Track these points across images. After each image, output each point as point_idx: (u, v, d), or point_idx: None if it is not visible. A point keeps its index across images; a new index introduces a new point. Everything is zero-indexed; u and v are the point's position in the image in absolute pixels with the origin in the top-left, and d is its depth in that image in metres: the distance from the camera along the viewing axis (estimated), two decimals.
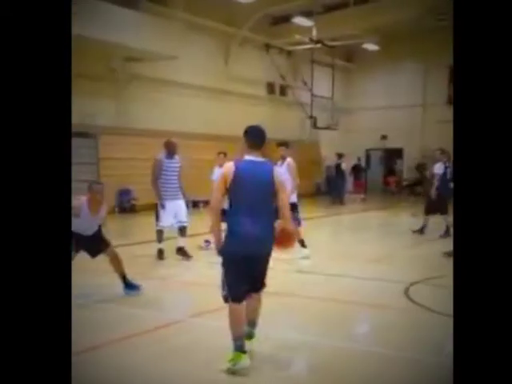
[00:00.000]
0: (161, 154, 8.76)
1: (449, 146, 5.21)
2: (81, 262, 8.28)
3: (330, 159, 23.84)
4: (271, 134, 21.20)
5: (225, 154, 9.61)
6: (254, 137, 4.27)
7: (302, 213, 12.68)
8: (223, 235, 4.24)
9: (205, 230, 5.93)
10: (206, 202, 15.46)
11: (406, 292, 6.51)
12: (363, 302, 6.26)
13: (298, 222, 8.26)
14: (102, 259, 6.45)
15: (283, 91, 23.47)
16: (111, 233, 8.88)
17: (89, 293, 6.36)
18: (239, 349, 4.11)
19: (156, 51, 15.51)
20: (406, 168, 25.70)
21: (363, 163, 24.87)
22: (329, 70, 23.00)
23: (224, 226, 4.26)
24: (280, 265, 7.96)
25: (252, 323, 4.44)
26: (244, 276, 4.18)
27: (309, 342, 4.85)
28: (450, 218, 10.54)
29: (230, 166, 4.17)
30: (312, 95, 21.59)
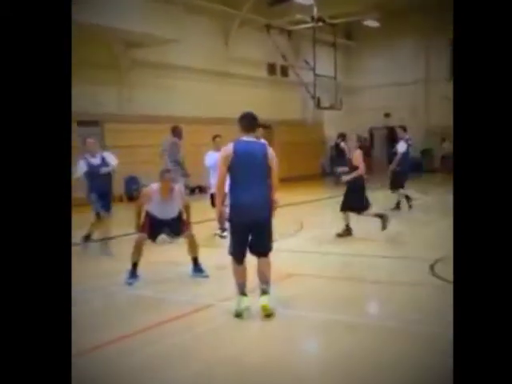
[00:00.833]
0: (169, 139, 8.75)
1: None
2: (115, 248, 8.37)
3: (333, 139, 23.70)
4: (274, 115, 21.37)
5: (219, 136, 9.38)
6: (246, 121, 5.08)
7: (308, 194, 12.65)
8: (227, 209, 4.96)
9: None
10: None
11: (432, 269, 6.46)
12: (390, 280, 6.23)
13: None
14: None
15: (284, 72, 23.26)
16: (122, 221, 8.89)
17: (120, 280, 6.36)
18: (241, 292, 4.97)
19: (157, 35, 15.33)
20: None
21: (367, 142, 24.68)
22: (330, 48, 22.78)
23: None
24: (298, 246, 7.95)
25: (264, 282, 4.99)
26: (243, 242, 4.92)
27: (339, 321, 4.81)
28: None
29: (229, 148, 4.91)
30: (315, 75, 21.39)
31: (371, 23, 23.10)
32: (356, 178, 8.44)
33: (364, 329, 4.70)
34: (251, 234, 4.91)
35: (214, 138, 9.43)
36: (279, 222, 7.92)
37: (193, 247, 6.58)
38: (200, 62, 18.70)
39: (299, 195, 15.84)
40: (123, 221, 8.70)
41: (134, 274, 6.35)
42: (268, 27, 21.05)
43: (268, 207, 4.92)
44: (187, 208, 6.65)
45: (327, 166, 24.90)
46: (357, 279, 6.42)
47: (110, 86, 16.19)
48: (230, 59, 20.22)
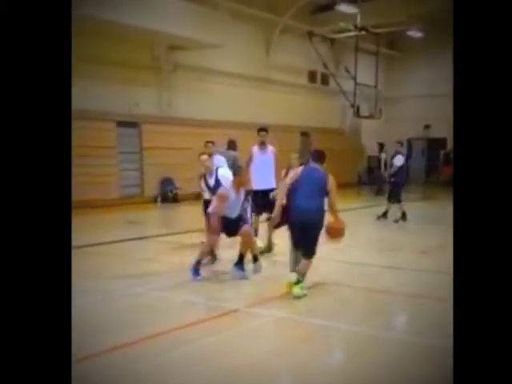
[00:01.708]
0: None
1: None
2: (136, 250, 8.50)
3: (371, 149, 23.50)
4: (313, 122, 21.38)
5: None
6: (316, 155, 6.25)
7: (344, 203, 12.46)
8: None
9: None
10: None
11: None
12: (418, 293, 6.13)
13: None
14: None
15: (325, 80, 23.19)
16: (156, 222, 8.98)
17: (145, 281, 6.45)
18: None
19: (199, 40, 15.52)
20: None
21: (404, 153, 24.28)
22: (372, 57, 22.55)
23: None
24: (329, 255, 7.90)
25: (300, 274, 5.85)
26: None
27: (363, 333, 4.76)
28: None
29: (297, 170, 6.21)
30: (355, 83, 21.24)
31: (414, 33, 22.80)
32: None
33: (388, 342, 4.64)
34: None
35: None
36: None
37: (245, 244, 6.76)
38: (241, 67, 18.83)
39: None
40: (158, 221, 8.87)
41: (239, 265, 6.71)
42: (310, 35, 20.99)
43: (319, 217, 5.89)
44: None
45: (364, 175, 24.68)
46: (384, 291, 6.34)
47: (151, 88, 16.45)
48: (271, 66, 20.28)
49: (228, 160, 7.95)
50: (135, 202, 14.46)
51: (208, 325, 5.00)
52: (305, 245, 5.91)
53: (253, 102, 19.28)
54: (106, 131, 15.07)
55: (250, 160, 8.49)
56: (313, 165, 6.20)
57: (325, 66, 22.00)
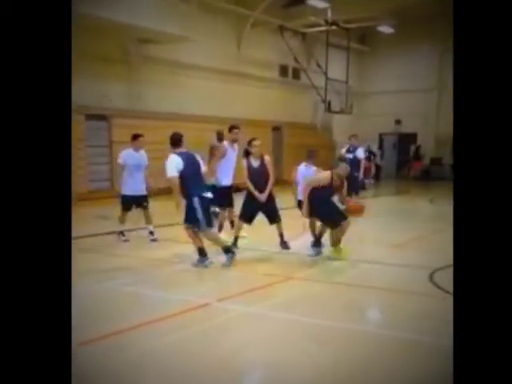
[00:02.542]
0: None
1: None
2: (106, 245, 8.36)
3: (342, 145, 23.60)
4: (284, 117, 21.43)
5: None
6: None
7: None
8: None
9: None
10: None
11: (431, 278, 6.36)
12: (390, 288, 6.14)
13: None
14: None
15: (296, 74, 23.21)
16: (126, 217, 8.84)
17: (116, 276, 6.41)
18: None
19: (169, 32, 15.30)
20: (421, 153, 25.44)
21: (375, 148, 24.51)
22: (343, 52, 22.66)
23: None
24: (301, 251, 7.88)
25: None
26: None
27: (334, 328, 4.74)
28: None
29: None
30: (326, 78, 21.30)
31: (386, 29, 22.98)
32: None
33: (361, 336, 4.62)
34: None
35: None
36: (284, 225, 7.94)
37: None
38: (212, 61, 18.68)
39: None
40: (128, 216, 8.76)
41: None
42: (281, 29, 20.96)
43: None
44: None
45: None
46: (359, 285, 6.33)
47: (120, 82, 16.19)
48: (243, 59, 20.19)
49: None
50: (105, 196, 14.21)
51: (179, 319, 4.92)
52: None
53: (224, 96, 19.17)
54: (74, 124, 14.77)
55: (222, 156, 8.49)
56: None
57: (296, 60, 22.01)
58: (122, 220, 8.74)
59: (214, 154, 8.71)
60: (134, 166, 8.64)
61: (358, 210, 8.10)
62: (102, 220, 10.93)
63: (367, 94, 26.00)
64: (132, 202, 8.69)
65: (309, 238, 8.06)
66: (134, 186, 8.64)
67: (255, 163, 7.71)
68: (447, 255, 7.53)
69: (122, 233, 8.70)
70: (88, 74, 14.89)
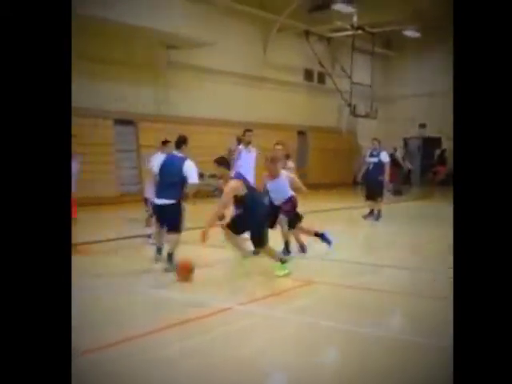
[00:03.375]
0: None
1: None
2: (137, 247, 8.57)
3: (366, 149, 23.55)
4: (309, 121, 21.44)
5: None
6: None
7: (338, 202, 12.50)
8: None
9: None
10: None
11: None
12: (408, 292, 6.23)
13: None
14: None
15: (321, 79, 23.28)
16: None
17: (144, 279, 6.59)
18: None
19: (195, 38, 15.58)
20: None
21: (400, 153, 24.40)
22: (368, 57, 22.68)
23: None
24: (318, 254, 7.99)
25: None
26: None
27: (355, 332, 4.84)
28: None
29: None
30: (351, 83, 21.36)
31: (411, 33, 22.88)
32: None
33: (379, 341, 4.72)
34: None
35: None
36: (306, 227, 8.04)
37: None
38: (237, 65, 18.88)
39: (329, 202, 15.87)
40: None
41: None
42: (307, 33, 21.11)
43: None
44: None
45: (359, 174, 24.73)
46: (373, 289, 6.43)
47: (147, 87, 16.51)
48: (268, 64, 20.35)
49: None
50: (134, 199, 14.52)
51: (200, 323, 5.07)
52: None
53: (249, 101, 19.35)
54: (103, 129, 15.14)
55: (235, 158, 9.01)
56: None
57: (321, 64, 22.12)
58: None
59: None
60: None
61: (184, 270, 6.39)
62: (130, 223, 11.17)
63: (392, 98, 25.90)
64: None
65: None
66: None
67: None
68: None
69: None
70: (115, 79, 15.25)
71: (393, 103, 25.92)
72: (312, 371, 4.04)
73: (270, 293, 6.08)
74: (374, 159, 12.49)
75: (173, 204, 6.96)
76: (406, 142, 26.33)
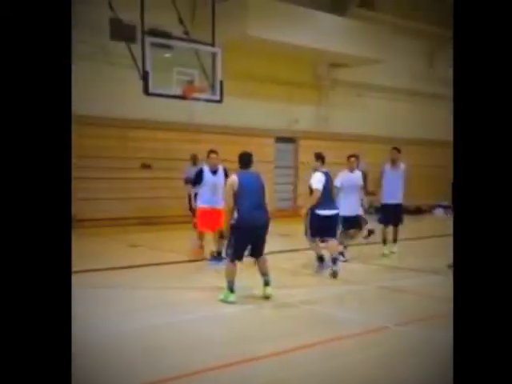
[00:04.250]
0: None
1: None
2: (285, 261, 8.73)
3: None
4: None
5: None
6: None
7: None
8: None
9: None
10: None
11: None
12: None
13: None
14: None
15: None
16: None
17: (295, 293, 6.67)
18: (230, 289, 6.00)
19: (362, 56, 15.52)
20: None
21: None
22: None
23: None
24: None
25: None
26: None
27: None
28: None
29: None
30: None
31: None
32: None
33: None
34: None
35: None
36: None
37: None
38: (401, 81, 18.43)
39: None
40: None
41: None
42: None
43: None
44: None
45: None
46: None
47: (310, 105, 16.78)
48: (434, 79, 19.57)
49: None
50: (287, 215, 14.78)
51: (356, 340, 4.96)
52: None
53: (413, 117, 18.77)
54: (265, 146, 15.67)
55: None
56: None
57: None
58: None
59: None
60: (348, 188, 8.56)
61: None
62: (282, 238, 11.36)
63: None
64: (349, 222, 8.62)
65: None
66: (349, 206, 8.49)
67: None
68: None
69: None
70: (279, 98, 15.73)
71: None
72: None
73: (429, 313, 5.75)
74: None
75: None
76: None
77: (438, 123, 19.13)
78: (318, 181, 7.59)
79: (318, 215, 7.54)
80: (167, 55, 10.23)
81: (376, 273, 8.11)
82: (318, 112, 17.07)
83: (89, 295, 6.14)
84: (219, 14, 11.08)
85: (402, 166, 9.44)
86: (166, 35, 10.01)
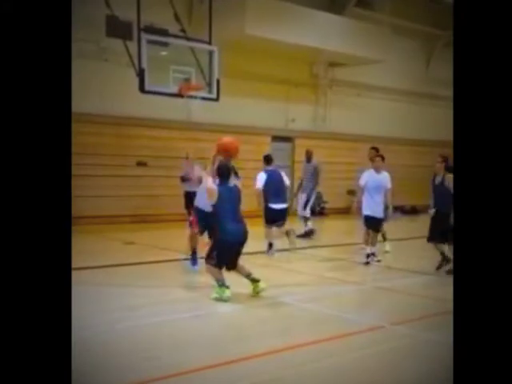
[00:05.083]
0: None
1: None
2: (281, 261, 8.72)
3: None
4: None
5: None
6: None
7: None
8: None
9: None
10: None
11: None
12: None
13: None
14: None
15: None
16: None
17: (290, 292, 6.63)
18: (222, 285, 5.97)
19: (360, 56, 15.49)
20: None
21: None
22: None
23: None
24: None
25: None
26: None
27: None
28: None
29: None
30: None
31: None
32: None
33: None
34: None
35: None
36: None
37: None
38: (399, 82, 18.45)
39: None
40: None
41: None
42: None
43: None
44: None
45: None
46: None
47: (307, 104, 16.75)
48: (430, 80, 19.59)
49: None
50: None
51: (350, 340, 4.94)
52: None
53: (411, 117, 18.78)
54: (261, 145, 15.62)
55: None
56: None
57: None
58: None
59: None
60: (373, 189, 8.44)
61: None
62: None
63: None
64: (369, 222, 8.55)
65: None
66: (373, 207, 8.43)
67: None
68: None
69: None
70: (278, 97, 15.70)
71: None
72: None
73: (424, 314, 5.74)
74: None
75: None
76: None
77: (435, 123, 19.17)
78: (258, 180, 8.95)
79: (270, 208, 8.88)
80: (164, 53, 10.17)
81: (372, 273, 8.12)
82: (316, 111, 17.06)
83: (82, 293, 6.11)
84: (216, 11, 11.03)
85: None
86: (163, 32, 9.96)
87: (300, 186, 11.43)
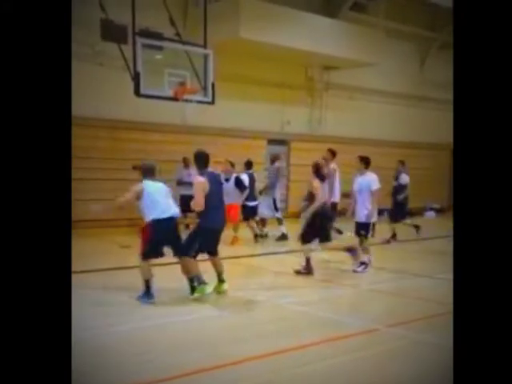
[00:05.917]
0: None
1: None
2: (277, 263, 8.72)
3: None
4: None
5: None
6: None
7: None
8: None
9: None
10: None
11: None
12: None
13: None
14: None
15: None
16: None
17: (284, 294, 6.65)
18: (200, 282, 6.15)
19: (354, 59, 15.52)
20: None
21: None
22: None
23: None
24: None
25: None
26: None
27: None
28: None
29: None
30: None
31: None
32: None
33: None
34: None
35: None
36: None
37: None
38: (393, 85, 18.48)
39: None
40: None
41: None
42: None
43: None
44: None
45: None
46: None
47: (302, 107, 16.78)
48: (425, 82, 19.65)
49: None
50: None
51: (345, 342, 4.94)
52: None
53: (406, 120, 18.82)
54: (257, 148, 15.63)
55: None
56: None
57: None
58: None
59: None
60: (357, 192, 8.32)
61: None
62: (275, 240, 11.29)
63: None
64: (357, 228, 8.37)
65: None
66: (357, 211, 8.29)
67: None
68: None
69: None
70: (272, 100, 15.71)
71: None
72: None
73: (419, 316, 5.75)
74: None
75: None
76: None
77: (430, 126, 19.23)
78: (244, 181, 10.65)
79: (247, 205, 10.92)
80: (158, 56, 10.19)
81: (366, 275, 8.11)
82: (311, 114, 17.08)
83: (81, 295, 6.10)
84: (211, 15, 11.06)
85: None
86: (158, 36, 9.98)
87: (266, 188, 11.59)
